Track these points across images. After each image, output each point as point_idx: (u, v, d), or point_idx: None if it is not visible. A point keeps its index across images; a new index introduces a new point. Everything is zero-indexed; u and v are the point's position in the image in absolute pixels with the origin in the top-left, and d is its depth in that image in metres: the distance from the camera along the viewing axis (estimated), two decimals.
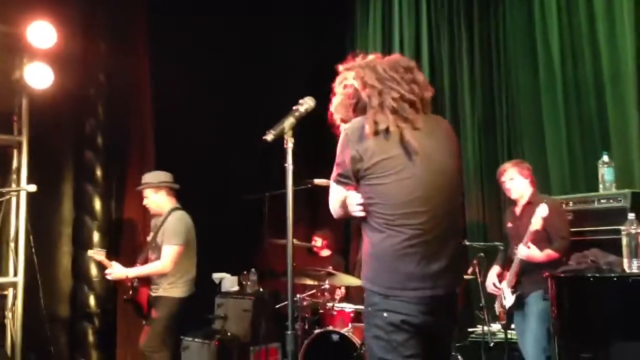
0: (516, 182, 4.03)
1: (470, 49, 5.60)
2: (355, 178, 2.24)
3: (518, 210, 4.08)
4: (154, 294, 4.31)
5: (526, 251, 3.78)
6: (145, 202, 4.45)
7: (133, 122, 5.78)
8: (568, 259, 3.38)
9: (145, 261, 4.37)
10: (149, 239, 4.51)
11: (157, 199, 4.40)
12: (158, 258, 4.26)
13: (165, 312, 4.25)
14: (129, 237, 5.59)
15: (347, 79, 2.38)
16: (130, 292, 4.33)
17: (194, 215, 4.67)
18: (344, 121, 2.39)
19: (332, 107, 2.45)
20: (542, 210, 3.67)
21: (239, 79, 6.25)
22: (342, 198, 2.30)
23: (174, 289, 4.27)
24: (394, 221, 2.15)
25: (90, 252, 4.34)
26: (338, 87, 2.42)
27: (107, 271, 4.24)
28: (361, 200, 2.22)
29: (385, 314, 2.11)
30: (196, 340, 5.06)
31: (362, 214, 2.22)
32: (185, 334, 5.15)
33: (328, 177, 4.66)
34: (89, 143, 5.46)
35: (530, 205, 3.92)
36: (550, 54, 4.97)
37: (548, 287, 3.44)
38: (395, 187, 2.16)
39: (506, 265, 4.12)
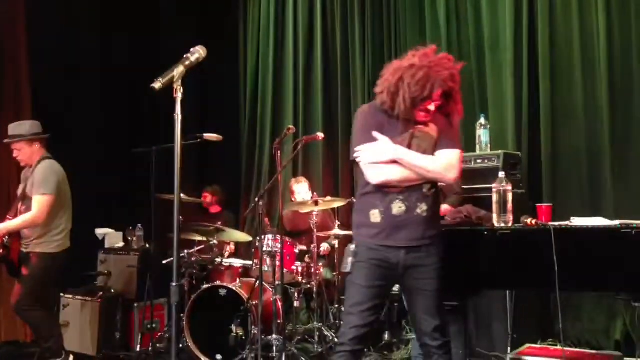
0: None
1: (362, 13, 5.68)
2: None
3: None
4: (24, 250, 4.09)
5: None
6: (16, 154, 4.19)
7: (6, 67, 5.34)
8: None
9: (16, 215, 4.12)
10: (19, 191, 4.24)
11: (30, 151, 4.15)
12: (28, 209, 4.04)
13: (36, 269, 4.06)
14: (3, 192, 5.22)
15: None
16: (1, 250, 4.06)
17: (77, 168, 4.46)
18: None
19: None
20: None
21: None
22: None
23: (44, 244, 4.07)
24: None
25: None
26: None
27: None
28: None
29: None
30: (77, 297, 4.89)
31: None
32: (66, 292, 4.96)
33: (218, 133, 4.65)
34: None
35: None
36: (437, 17, 5.16)
37: None
38: None
39: None
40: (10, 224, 4.04)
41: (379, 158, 2.58)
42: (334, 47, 5.86)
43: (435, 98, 2.57)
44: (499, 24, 4.79)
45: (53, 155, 4.28)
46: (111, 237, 5.41)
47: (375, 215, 2.63)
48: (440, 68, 2.55)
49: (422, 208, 2.61)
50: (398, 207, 2.59)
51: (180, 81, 2.27)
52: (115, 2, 5.99)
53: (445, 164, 2.60)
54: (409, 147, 2.61)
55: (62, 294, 4.97)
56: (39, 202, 4.01)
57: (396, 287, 4.25)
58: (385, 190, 2.61)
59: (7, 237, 4.04)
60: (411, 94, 2.53)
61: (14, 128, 4.18)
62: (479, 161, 4.13)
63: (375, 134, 2.60)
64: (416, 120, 2.63)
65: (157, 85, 2.21)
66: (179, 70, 2.26)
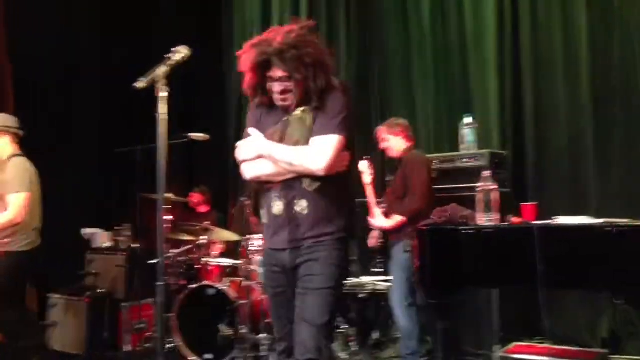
0: (389, 141, 4.11)
1: (347, 10, 5.68)
2: None
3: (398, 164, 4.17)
4: None
5: (377, 223, 4.04)
6: None
7: None
8: (430, 213, 3.60)
9: None
10: None
11: (0, 144, 4.01)
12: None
13: (6, 269, 3.88)
14: None
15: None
16: None
17: (62, 167, 4.43)
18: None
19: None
20: (360, 166, 3.90)
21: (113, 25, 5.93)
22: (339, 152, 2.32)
23: (11, 244, 3.89)
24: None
25: None
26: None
27: None
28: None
29: None
30: (64, 297, 4.88)
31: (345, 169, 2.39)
32: (54, 291, 4.95)
33: (203, 132, 4.63)
34: None
35: (401, 163, 4.05)
36: (421, 14, 5.17)
37: (409, 240, 3.70)
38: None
39: None
40: None
41: (247, 155, 2.39)
42: None
43: (273, 76, 2.31)
44: (482, 21, 4.80)
45: (45, 154, 4.21)
46: (98, 237, 5.40)
47: (264, 216, 2.45)
48: (267, 39, 2.30)
49: (301, 205, 2.32)
50: (277, 206, 2.36)
51: (163, 80, 2.28)
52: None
53: (310, 154, 2.27)
54: (282, 138, 2.36)
55: (49, 294, 4.95)
56: (18, 200, 3.87)
57: (384, 284, 4.28)
58: (266, 187, 2.41)
59: None
60: (249, 79, 2.36)
61: None
62: (464, 160, 4.16)
63: (249, 130, 2.42)
64: (282, 107, 2.39)
65: (140, 84, 2.22)
66: (161, 70, 2.27)
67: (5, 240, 3.89)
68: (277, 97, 2.35)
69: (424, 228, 3.24)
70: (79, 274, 5.17)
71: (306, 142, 2.30)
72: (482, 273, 3.14)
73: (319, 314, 2.27)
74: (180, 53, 2.36)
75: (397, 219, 3.92)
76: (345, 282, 2.50)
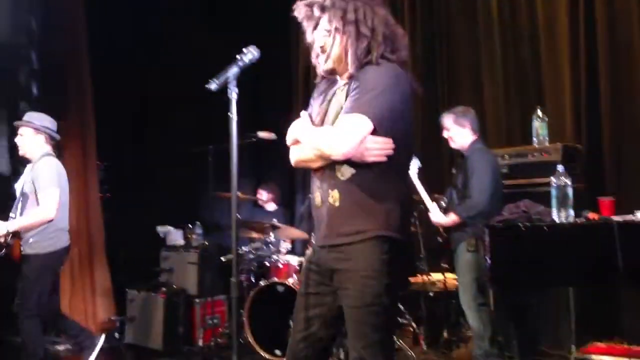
0: (453, 131, 3.97)
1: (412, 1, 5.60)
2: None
3: (461, 160, 4.09)
4: (22, 253, 3.85)
5: (433, 218, 3.95)
6: (18, 140, 4.05)
7: (69, 71, 5.55)
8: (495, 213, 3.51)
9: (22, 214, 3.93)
10: (18, 188, 4.05)
11: (33, 141, 4.02)
12: (24, 206, 3.89)
13: (32, 272, 3.83)
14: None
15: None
16: (4, 250, 3.82)
17: (138, 168, 4.58)
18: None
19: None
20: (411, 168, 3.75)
21: (181, 28, 6.08)
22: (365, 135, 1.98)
23: (39, 244, 3.85)
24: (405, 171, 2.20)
25: None
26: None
27: None
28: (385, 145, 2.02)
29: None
30: (142, 292, 5.07)
31: (382, 158, 2.02)
32: (131, 287, 5.15)
33: (272, 130, 4.68)
34: (24, 93, 5.25)
35: (464, 159, 3.95)
36: (489, 2, 5.02)
37: (472, 239, 3.63)
38: (407, 137, 2.14)
39: None
40: (21, 221, 3.83)
41: (288, 140, 2.22)
42: None
43: (307, 32, 2.16)
44: (553, 5, 4.61)
45: (121, 153, 4.29)
46: (172, 234, 5.59)
47: (312, 208, 2.22)
48: None
49: (333, 197, 2.06)
50: (316, 197, 2.15)
51: (234, 82, 2.32)
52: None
53: (329, 136, 2.01)
54: (323, 119, 2.16)
55: (127, 289, 5.17)
56: (50, 197, 3.83)
57: (454, 282, 4.22)
58: (311, 176, 2.19)
59: (10, 235, 3.80)
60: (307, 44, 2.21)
61: (31, 116, 4.11)
62: (536, 154, 4.04)
63: (302, 112, 2.27)
64: (325, 76, 2.22)
65: (212, 86, 2.26)
66: (233, 71, 2.31)
67: (32, 240, 3.85)
68: (315, 61, 2.20)
69: (497, 225, 3.17)
70: (155, 270, 5.37)
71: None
72: (558, 271, 3.04)
73: (361, 336, 1.99)
74: (251, 54, 2.38)
75: (453, 218, 3.86)
76: (397, 288, 2.14)
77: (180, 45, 6.11)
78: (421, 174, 4.16)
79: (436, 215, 3.98)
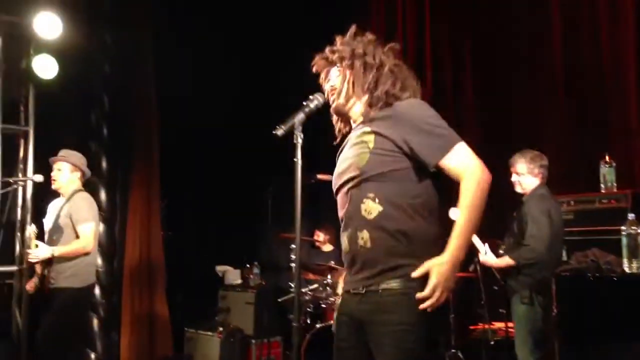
0: (522, 177, 3.85)
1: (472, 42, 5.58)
2: None
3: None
4: (52, 286, 3.90)
5: (482, 258, 3.81)
6: (55, 174, 4.14)
7: (138, 112, 5.80)
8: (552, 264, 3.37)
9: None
10: (46, 220, 4.16)
11: (70, 177, 4.15)
12: (58, 240, 3.97)
13: (63, 306, 3.87)
14: (134, 227, 5.62)
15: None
16: (39, 279, 3.91)
17: (198, 207, 4.67)
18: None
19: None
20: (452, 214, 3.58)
21: (247, 67, 6.23)
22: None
23: (76, 277, 3.92)
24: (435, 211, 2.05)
25: (30, 230, 3.96)
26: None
27: (32, 252, 3.83)
28: None
29: None
30: (199, 332, 5.12)
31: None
32: (188, 325, 5.22)
33: (327, 173, 4.70)
34: (94, 134, 5.50)
35: (522, 203, 3.82)
36: (550, 34, 4.91)
37: (526, 291, 3.51)
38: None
39: None
40: (65, 248, 3.91)
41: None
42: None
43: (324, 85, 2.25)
44: (620, 42, 4.49)
45: (189, 197, 4.38)
46: (230, 274, 5.66)
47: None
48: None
49: (363, 237, 1.98)
50: (344, 240, 2.08)
51: (300, 128, 2.36)
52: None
53: (474, 183, 1.97)
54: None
55: (185, 328, 5.23)
56: (88, 230, 3.96)
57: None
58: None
59: (47, 268, 3.88)
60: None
61: (67, 152, 4.23)
62: (603, 201, 3.91)
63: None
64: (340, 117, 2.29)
65: (279, 132, 2.30)
66: (299, 117, 2.35)
67: (69, 272, 3.91)
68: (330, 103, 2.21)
69: (564, 274, 3.06)
70: (213, 310, 5.42)
71: (359, 162, 2.02)
72: (628, 325, 2.90)
73: None
74: (317, 100, 2.41)
75: (506, 260, 3.70)
76: (434, 335, 2.03)
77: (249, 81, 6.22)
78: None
79: (486, 255, 3.84)
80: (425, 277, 1.87)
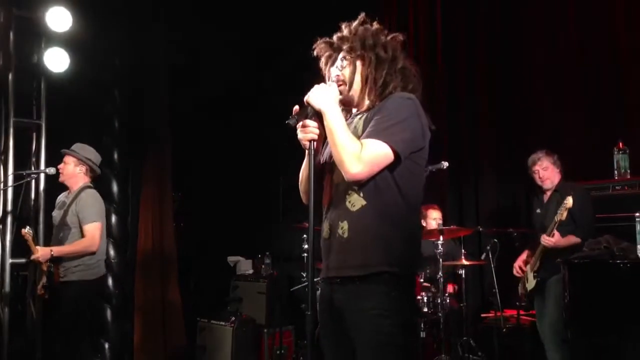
0: (550, 171, 4.07)
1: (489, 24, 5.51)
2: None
3: (545, 197, 4.14)
4: (62, 280, 3.91)
5: (551, 241, 3.83)
6: (61, 167, 4.15)
7: (149, 105, 5.82)
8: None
9: (59, 243, 4.01)
10: (54, 214, 4.17)
11: (76, 171, 4.14)
12: (65, 237, 3.99)
13: (74, 299, 3.87)
14: (146, 219, 5.66)
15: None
16: (46, 277, 3.92)
17: (209, 198, 4.69)
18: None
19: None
20: (568, 203, 3.67)
21: (260, 60, 6.22)
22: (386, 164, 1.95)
23: (85, 272, 3.93)
24: (418, 206, 2.09)
25: (25, 231, 3.91)
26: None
27: (33, 256, 3.86)
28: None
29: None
30: (212, 322, 5.15)
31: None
32: (201, 316, 5.25)
33: None
34: (106, 127, 5.53)
35: (557, 192, 3.99)
36: (566, 25, 4.87)
37: None
38: (422, 178, 2.09)
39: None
40: (65, 248, 3.94)
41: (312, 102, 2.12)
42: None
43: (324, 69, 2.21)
44: (637, 34, 4.44)
45: (197, 187, 4.41)
46: (242, 264, 5.68)
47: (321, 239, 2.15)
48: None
49: (342, 228, 2.00)
50: (325, 227, 2.09)
51: (313, 117, 2.36)
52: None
53: (350, 153, 1.95)
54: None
55: (198, 318, 5.27)
56: (94, 229, 3.97)
57: (527, 318, 4.08)
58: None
59: (52, 264, 3.90)
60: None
61: (77, 146, 4.21)
62: (617, 188, 3.89)
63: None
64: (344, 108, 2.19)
65: (292, 122, 2.30)
66: (310, 108, 2.35)
67: (75, 268, 3.92)
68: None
69: (575, 260, 3.05)
70: (225, 300, 5.45)
71: None
72: None
73: None
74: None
75: (574, 239, 3.80)
76: (414, 329, 2.04)
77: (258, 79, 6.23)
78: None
79: (554, 238, 3.84)
80: (400, 276, 1.94)
